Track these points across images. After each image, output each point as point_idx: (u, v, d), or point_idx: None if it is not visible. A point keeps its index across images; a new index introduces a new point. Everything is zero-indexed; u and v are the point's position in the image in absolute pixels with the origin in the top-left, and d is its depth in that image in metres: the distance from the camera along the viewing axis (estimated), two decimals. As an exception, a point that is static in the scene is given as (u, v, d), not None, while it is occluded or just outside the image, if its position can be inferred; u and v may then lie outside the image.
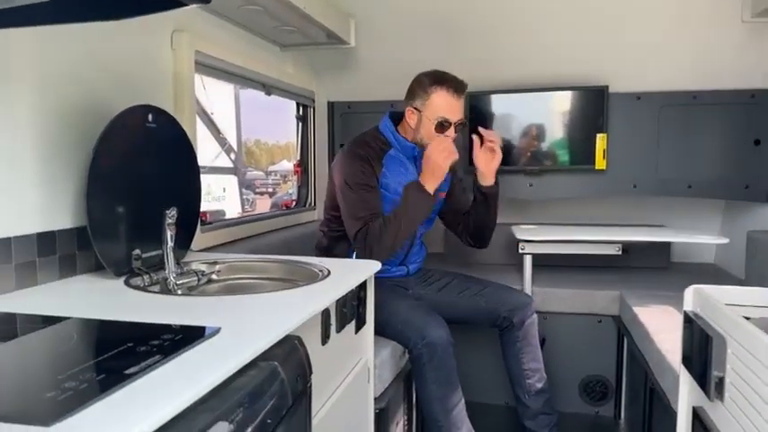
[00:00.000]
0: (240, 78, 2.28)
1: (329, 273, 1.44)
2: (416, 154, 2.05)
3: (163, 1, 0.99)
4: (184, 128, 1.64)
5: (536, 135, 2.87)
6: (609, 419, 2.54)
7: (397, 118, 2.08)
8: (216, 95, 6.71)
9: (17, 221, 1.25)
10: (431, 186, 1.89)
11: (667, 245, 2.96)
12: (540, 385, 2.10)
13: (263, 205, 10.70)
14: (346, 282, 1.39)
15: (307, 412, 1.04)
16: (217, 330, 0.92)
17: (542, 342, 2.51)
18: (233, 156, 7.77)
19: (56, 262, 1.33)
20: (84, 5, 1.01)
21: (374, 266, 1.60)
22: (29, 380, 0.77)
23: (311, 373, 1.02)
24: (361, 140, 2.06)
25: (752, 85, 2.60)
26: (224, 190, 7.33)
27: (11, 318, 1.03)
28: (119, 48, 1.55)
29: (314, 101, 2.92)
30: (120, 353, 0.81)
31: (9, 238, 1.21)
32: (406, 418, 2.06)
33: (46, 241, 1.30)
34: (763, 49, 2.49)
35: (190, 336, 0.89)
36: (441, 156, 1.86)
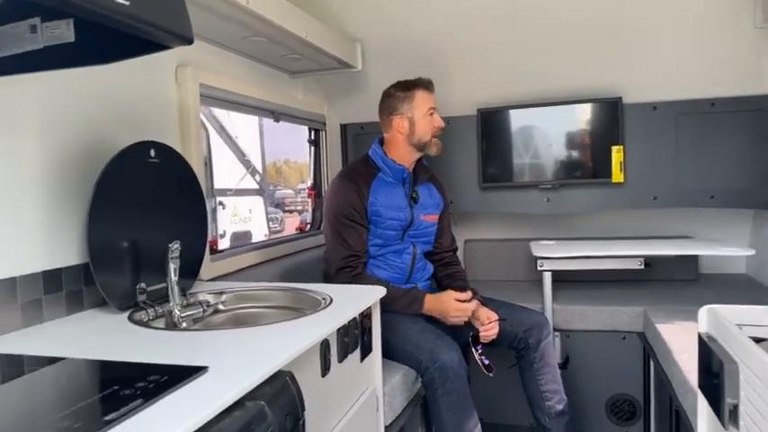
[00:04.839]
0: (247, 107, 2.30)
1: (332, 301, 1.43)
2: (405, 176, 2.13)
3: (148, 45, 1.00)
4: (191, 160, 1.67)
5: (552, 149, 2.83)
6: None
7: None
8: (240, 120, 6.84)
9: (22, 261, 1.27)
10: (426, 311, 2.01)
11: (695, 256, 2.87)
12: (560, 407, 2.04)
13: (293, 223, 10.79)
14: (348, 310, 1.37)
15: (300, 449, 1.02)
16: (204, 369, 0.91)
17: (566, 361, 2.45)
18: (258, 177, 7.87)
19: (62, 298, 1.35)
20: (77, 52, 1.03)
21: (379, 293, 1.58)
22: (5, 429, 0.78)
23: (304, 409, 1.01)
24: (351, 167, 2.21)
25: None
26: (250, 211, 7.42)
27: (11, 359, 1.05)
28: (123, 84, 1.58)
29: (325, 124, 2.94)
30: (103, 397, 0.81)
31: (14, 278, 1.24)
32: (423, 443, 2.03)
33: (52, 279, 1.33)
34: None
35: (176, 377, 0.88)
36: (454, 316, 1.99)
